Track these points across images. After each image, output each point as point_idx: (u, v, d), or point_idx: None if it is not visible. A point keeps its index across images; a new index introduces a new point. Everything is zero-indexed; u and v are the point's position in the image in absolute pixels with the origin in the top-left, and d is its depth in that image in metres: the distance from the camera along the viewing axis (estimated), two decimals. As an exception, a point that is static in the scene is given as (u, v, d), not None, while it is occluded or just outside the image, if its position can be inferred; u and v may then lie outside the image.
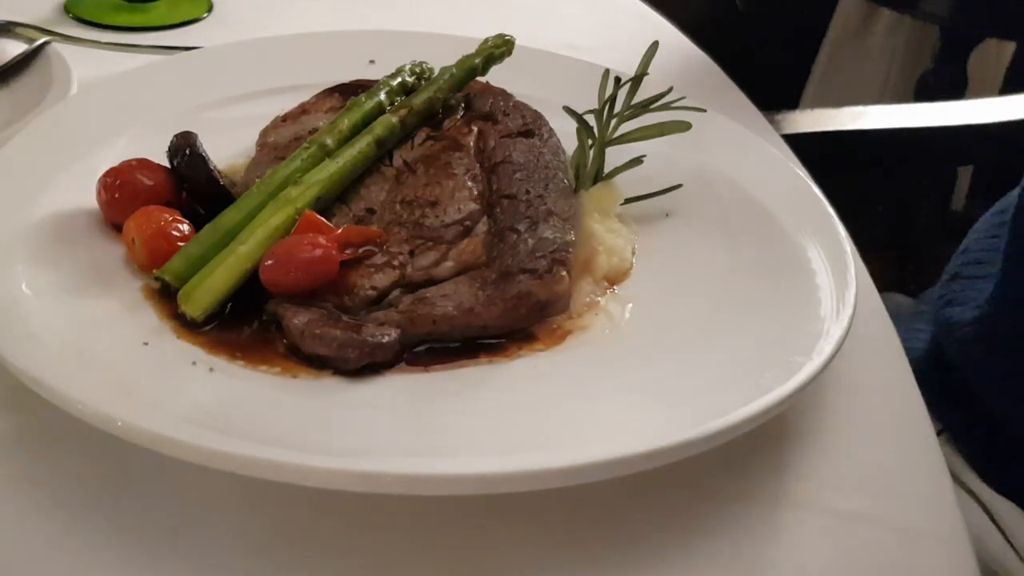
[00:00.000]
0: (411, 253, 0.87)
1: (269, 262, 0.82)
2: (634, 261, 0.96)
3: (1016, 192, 1.11)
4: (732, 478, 0.79)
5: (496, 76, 1.08)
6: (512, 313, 0.84)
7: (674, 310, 0.90)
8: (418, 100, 0.98)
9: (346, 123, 0.95)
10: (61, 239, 0.89)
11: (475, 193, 0.91)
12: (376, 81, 1.05)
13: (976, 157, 1.63)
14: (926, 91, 2.07)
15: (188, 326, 0.81)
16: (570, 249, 0.88)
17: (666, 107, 1.00)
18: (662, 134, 0.97)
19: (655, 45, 1.00)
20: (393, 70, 1.05)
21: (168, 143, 0.93)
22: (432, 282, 0.85)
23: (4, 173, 0.93)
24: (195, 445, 0.67)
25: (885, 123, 1.46)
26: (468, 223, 0.89)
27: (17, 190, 0.91)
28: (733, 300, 0.90)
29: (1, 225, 0.86)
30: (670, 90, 1.01)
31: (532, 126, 0.99)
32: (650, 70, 1.02)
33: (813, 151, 1.16)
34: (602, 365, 0.83)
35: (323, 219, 0.86)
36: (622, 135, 0.98)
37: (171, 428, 0.68)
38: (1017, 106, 1.51)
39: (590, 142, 0.99)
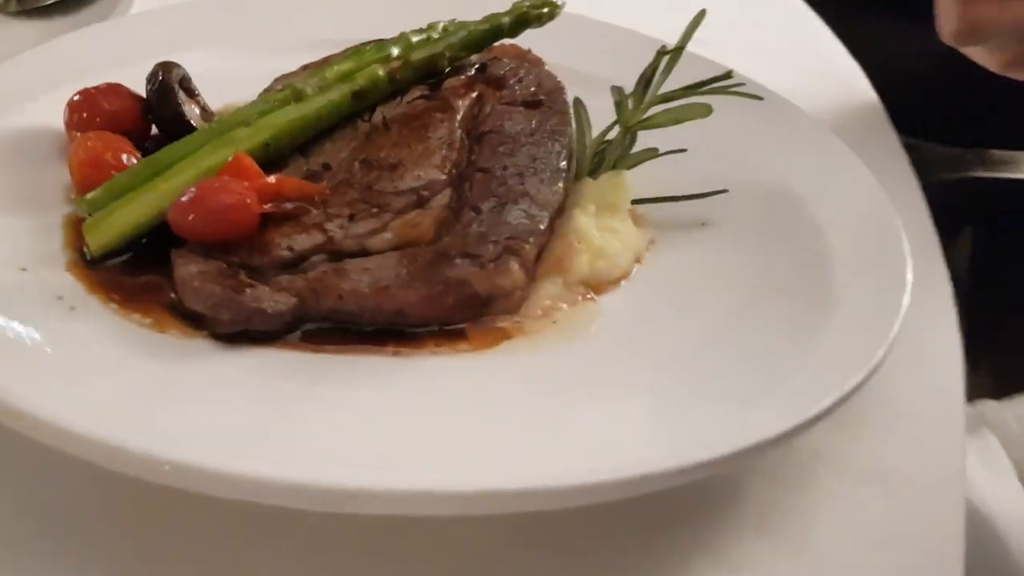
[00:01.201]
0: (350, 218, 0.75)
1: (178, 203, 0.73)
2: (634, 271, 0.79)
3: None
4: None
5: (546, 48, 0.94)
6: (436, 302, 0.70)
7: (652, 337, 0.73)
8: (417, 54, 0.85)
9: (334, 71, 0.84)
10: (21, 152, 0.84)
11: (446, 161, 0.78)
12: None
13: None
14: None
15: (85, 260, 0.73)
16: (531, 239, 0.73)
17: (720, 91, 0.83)
18: (678, 121, 0.80)
19: (702, 13, 0.83)
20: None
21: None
22: (363, 253, 0.73)
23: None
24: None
25: None
26: (425, 193, 0.76)
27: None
28: (723, 343, 0.72)
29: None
30: (729, 73, 0.83)
31: (542, 96, 0.84)
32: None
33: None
34: (524, 382, 0.67)
35: (253, 164, 0.75)
36: (644, 120, 0.81)
37: None
38: None
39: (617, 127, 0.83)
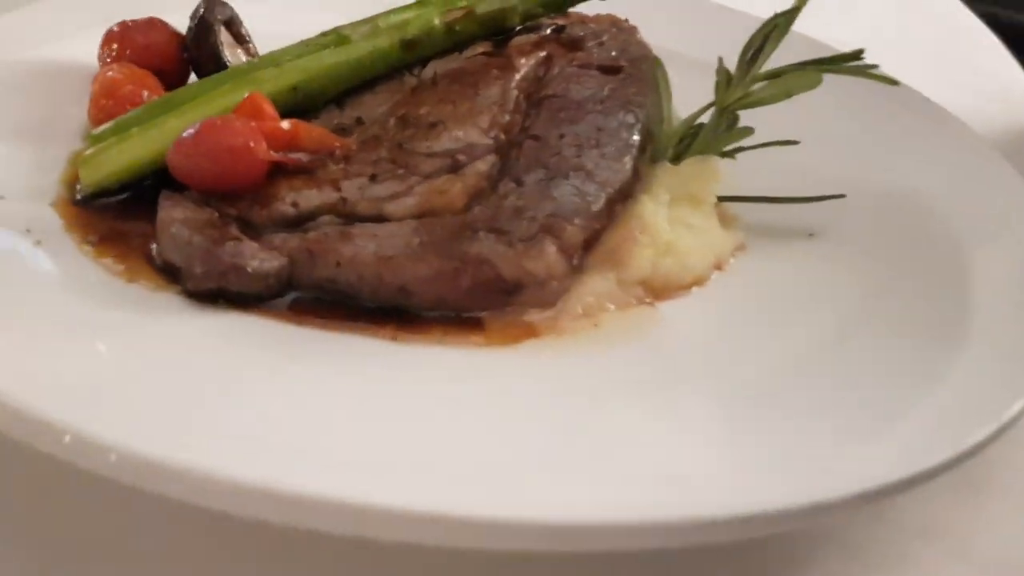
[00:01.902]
0: (372, 178, 0.63)
1: (178, 141, 0.63)
2: (712, 277, 0.65)
3: None
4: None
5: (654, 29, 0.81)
6: (448, 281, 0.58)
7: (721, 356, 0.58)
8: (484, 5, 0.74)
9: (389, 19, 0.74)
10: (50, 83, 0.77)
11: (493, 123, 0.66)
12: None
13: None
14: None
15: (75, 196, 0.65)
16: (577, 220, 0.60)
17: (843, 71, 0.67)
18: (788, 94, 0.65)
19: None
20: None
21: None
22: (379, 219, 0.61)
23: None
24: None
25: None
26: (462, 157, 0.64)
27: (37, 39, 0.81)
28: (813, 372, 0.57)
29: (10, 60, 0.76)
30: (858, 53, 0.68)
31: (623, 62, 0.71)
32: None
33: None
34: (545, 391, 0.54)
35: (268, 105, 0.65)
36: (742, 97, 0.67)
37: None
38: None
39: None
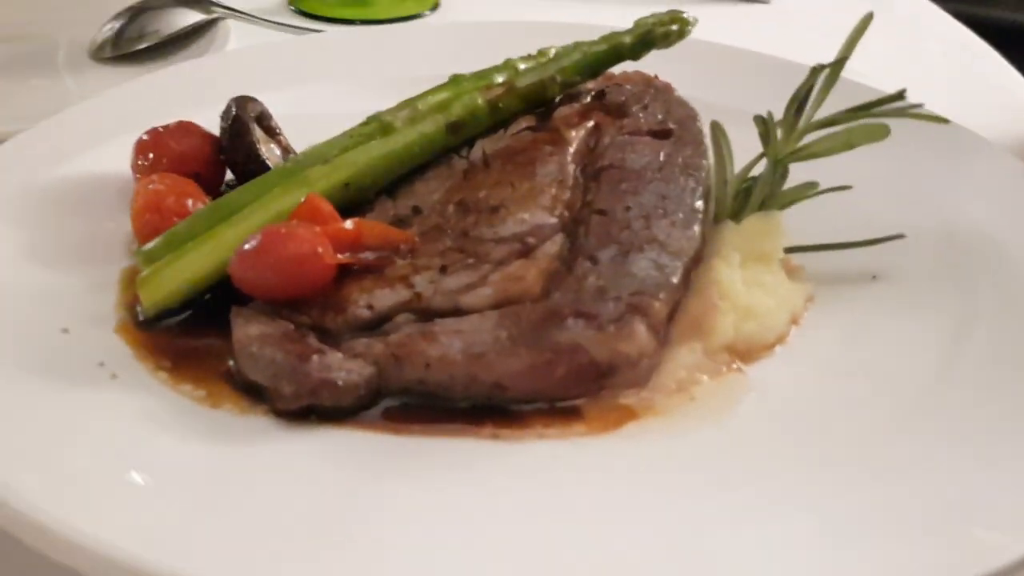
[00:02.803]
0: (442, 270, 0.62)
1: (239, 254, 0.62)
2: (791, 333, 0.64)
3: None
4: None
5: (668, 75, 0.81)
6: (543, 372, 0.56)
7: (822, 417, 0.57)
8: (524, 80, 0.73)
9: (428, 101, 0.73)
10: (83, 196, 0.75)
11: (556, 202, 0.65)
12: None
13: None
14: None
15: (137, 320, 0.63)
16: (661, 295, 0.59)
17: (893, 113, 0.67)
18: (851, 145, 0.65)
19: (869, 17, 0.68)
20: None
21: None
22: (457, 312, 0.60)
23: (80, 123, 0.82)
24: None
25: None
26: (531, 240, 0.63)
27: (66, 150, 0.80)
28: (921, 422, 0.56)
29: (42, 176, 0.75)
30: (901, 93, 0.68)
31: (671, 124, 0.70)
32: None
33: None
34: (656, 476, 0.53)
35: (328, 206, 0.64)
36: (801, 148, 0.67)
37: None
38: None
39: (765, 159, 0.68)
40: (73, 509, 0.47)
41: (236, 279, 0.62)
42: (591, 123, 0.71)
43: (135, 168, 0.75)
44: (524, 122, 0.73)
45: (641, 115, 0.72)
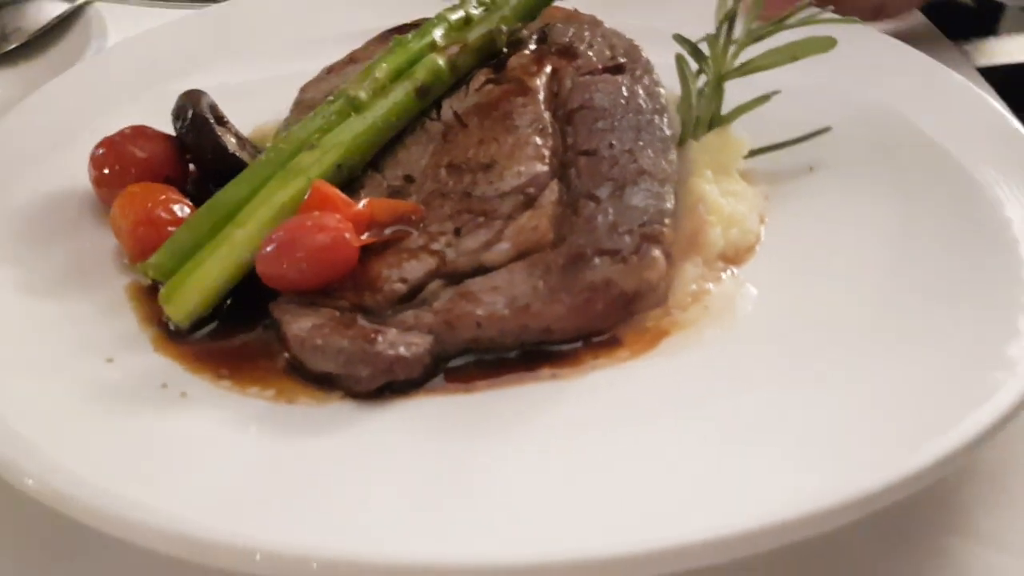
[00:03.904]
0: (456, 232, 0.66)
1: (266, 251, 0.64)
2: (762, 232, 0.72)
3: None
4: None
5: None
6: (585, 311, 0.62)
7: (816, 300, 0.66)
8: (473, 34, 0.76)
9: (384, 69, 0.75)
10: (45, 223, 0.74)
11: (543, 150, 0.70)
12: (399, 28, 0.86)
13: None
14: None
15: (171, 334, 0.64)
16: (667, 220, 0.65)
17: (806, 22, 0.75)
18: (795, 58, 0.72)
19: (787, -63, 0.75)
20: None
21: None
22: (482, 270, 0.65)
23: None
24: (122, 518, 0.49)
25: None
26: (532, 190, 0.67)
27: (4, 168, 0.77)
28: (904, 288, 0.65)
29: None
30: (809, 2, 0.76)
31: (623, 59, 0.76)
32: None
33: (1016, 88, 0.87)
34: (713, 380, 0.60)
35: (337, 192, 0.66)
36: (744, 64, 0.74)
37: (92, 495, 0.50)
38: None
39: (703, 77, 0.75)
40: (220, 519, 0.50)
41: (266, 276, 0.64)
42: (548, 68, 0.76)
43: (98, 182, 0.74)
44: (483, 76, 0.76)
45: (591, 54, 0.77)
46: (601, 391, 0.60)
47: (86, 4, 1.06)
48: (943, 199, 0.71)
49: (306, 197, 0.66)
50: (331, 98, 0.73)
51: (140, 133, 0.75)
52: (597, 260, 0.63)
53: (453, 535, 0.50)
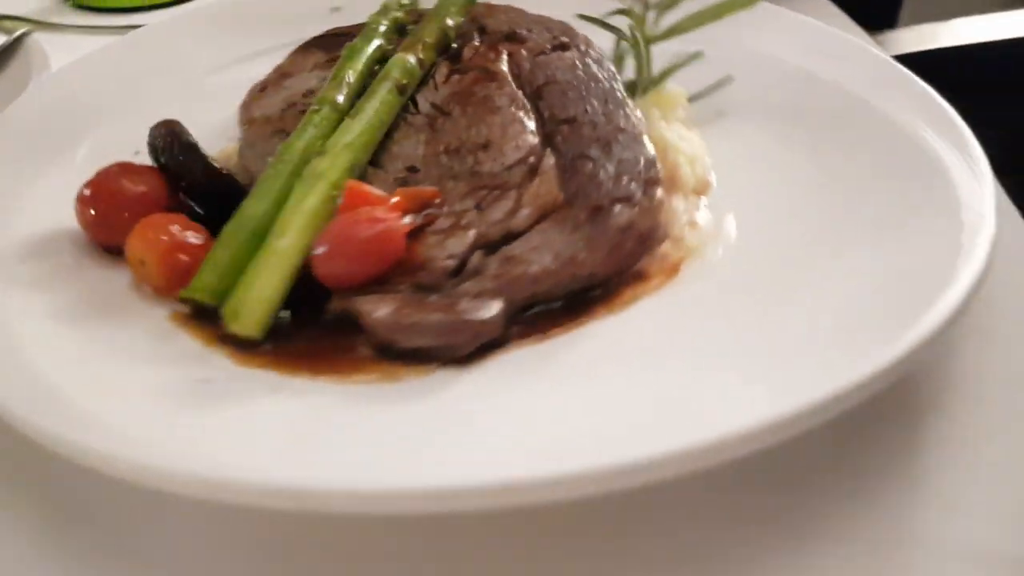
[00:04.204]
0: (478, 207, 0.72)
1: (322, 251, 0.67)
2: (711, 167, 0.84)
3: None
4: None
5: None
6: (619, 252, 0.71)
7: (780, 217, 0.77)
8: (428, 32, 0.82)
9: (351, 74, 0.79)
10: (35, 264, 0.72)
11: (529, 124, 0.77)
12: (353, 27, 0.90)
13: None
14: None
15: (244, 348, 0.66)
16: (657, 164, 0.75)
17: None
18: (718, 16, 0.84)
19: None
20: (368, 15, 0.89)
21: (146, 133, 0.77)
22: (512, 236, 0.71)
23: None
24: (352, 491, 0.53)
25: (1001, 34, 1.19)
26: (532, 160, 0.75)
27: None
28: (841, 200, 0.76)
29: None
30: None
31: (565, 38, 0.85)
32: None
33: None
34: (735, 292, 0.70)
35: (371, 188, 0.71)
36: (672, 27, 0.85)
37: (316, 479, 0.53)
38: None
39: (642, 42, 0.85)
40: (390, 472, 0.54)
41: (325, 275, 0.67)
42: (505, 53, 0.83)
43: (92, 223, 0.73)
44: (445, 69, 0.82)
45: (534, 36, 0.84)
46: (651, 316, 0.69)
47: (24, 35, 1.02)
48: (860, 137, 0.82)
49: (343, 197, 0.69)
50: (315, 107, 0.77)
51: (126, 169, 0.75)
52: (616, 208, 0.72)
53: (570, 451, 0.56)
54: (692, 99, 0.88)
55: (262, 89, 0.88)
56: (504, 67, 0.82)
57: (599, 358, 0.65)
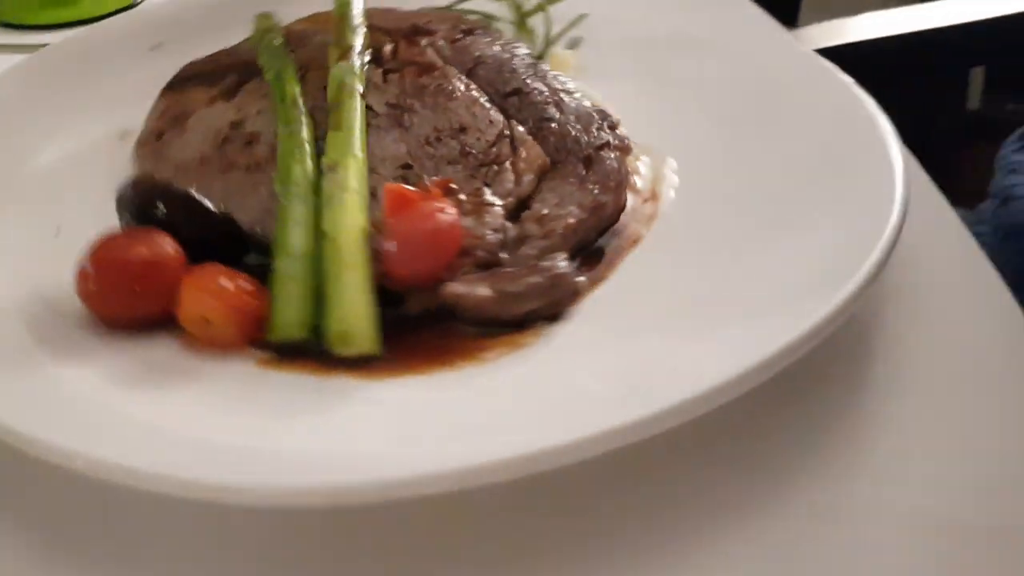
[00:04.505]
0: (487, 185, 0.77)
1: (393, 253, 0.68)
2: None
3: None
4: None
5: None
6: (623, 192, 0.79)
7: (713, 167, 0.82)
8: (349, 38, 0.84)
9: (296, 92, 0.80)
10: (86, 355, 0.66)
11: (487, 102, 0.83)
12: (221, 57, 0.89)
13: (995, 54, 1.46)
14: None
15: (362, 365, 0.66)
16: (609, 111, 0.84)
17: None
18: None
19: None
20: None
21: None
22: (528, 199, 0.77)
23: None
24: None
25: (895, 29, 1.34)
26: (507, 132, 0.81)
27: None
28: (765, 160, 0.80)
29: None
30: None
31: (464, 24, 0.90)
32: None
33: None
34: (712, 239, 0.75)
35: (410, 187, 0.72)
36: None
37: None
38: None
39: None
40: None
41: (401, 276, 0.69)
42: (425, 46, 0.86)
43: (103, 297, 0.67)
44: (379, 72, 0.83)
45: (436, 26, 0.89)
46: (651, 259, 0.75)
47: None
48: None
49: (388, 201, 0.70)
50: (289, 129, 0.76)
51: (135, 238, 0.69)
52: (603, 153, 0.80)
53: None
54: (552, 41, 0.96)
55: (158, 137, 0.84)
56: (434, 57, 0.86)
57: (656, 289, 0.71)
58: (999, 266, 0.75)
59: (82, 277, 0.67)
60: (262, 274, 0.70)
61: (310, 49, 0.88)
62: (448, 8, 0.96)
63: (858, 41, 1.29)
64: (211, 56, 0.92)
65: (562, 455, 0.54)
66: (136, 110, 0.88)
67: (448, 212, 0.71)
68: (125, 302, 0.67)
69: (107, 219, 0.72)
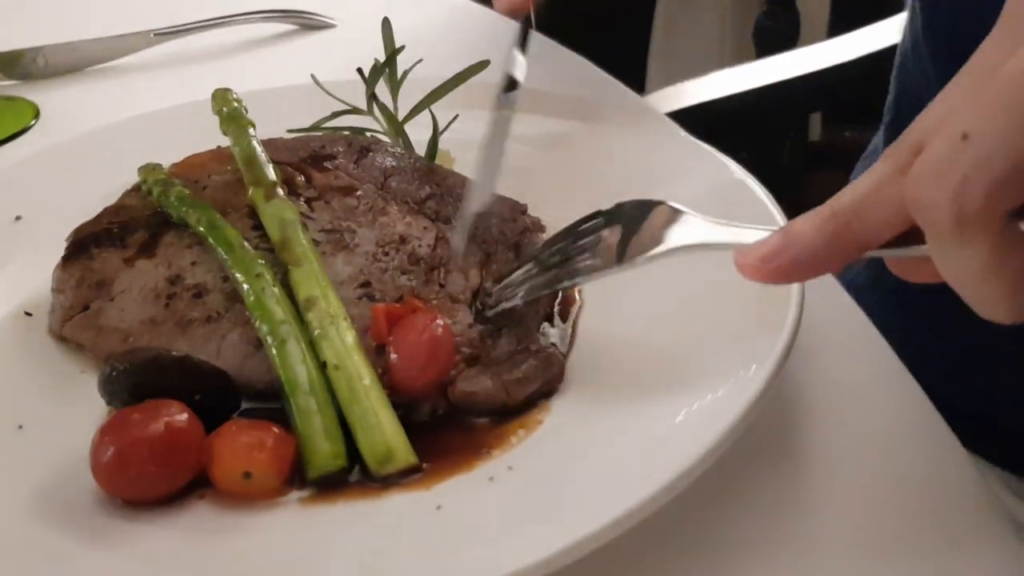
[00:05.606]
0: (441, 285, 0.83)
1: (398, 366, 0.73)
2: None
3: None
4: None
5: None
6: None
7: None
8: (266, 175, 0.87)
9: (236, 239, 0.82)
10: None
11: (411, 212, 0.89)
12: (111, 216, 0.90)
13: (826, 100, 1.73)
14: (763, 33, 2.19)
15: (405, 477, 0.70)
16: (514, 198, 0.93)
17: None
18: (457, 84, 1.00)
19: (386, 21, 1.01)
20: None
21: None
22: (478, 292, 0.84)
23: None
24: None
25: (734, 88, 1.51)
26: (439, 234, 0.87)
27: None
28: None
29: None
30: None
31: (355, 142, 0.95)
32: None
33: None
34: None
35: (396, 304, 0.77)
36: (417, 105, 1.00)
37: None
38: (848, 46, 1.62)
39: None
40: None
41: (405, 387, 0.74)
42: (334, 169, 0.90)
43: (130, 481, 0.67)
44: (301, 202, 0.87)
45: (330, 151, 0.93)
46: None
47: None
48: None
49: (376, 323, 0.75)
50: (252, 273, 0.78)
51: (152, 411, 0.68)
52: (527, 238, 0.88)
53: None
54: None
55: (84, 309, 0.83)
56: (347, 179, 0.90)
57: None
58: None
59: (102, 464, 0.66)
60: (259, 419, 0.72)
61: (214, 191, 0.90)
62: (317, 129, 1.00)
63: (705, 101, 1.47)
64: (98, 217, 0.91)
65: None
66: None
67: (438, 320, 0.76)
68: (154, 480, 0.67)
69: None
